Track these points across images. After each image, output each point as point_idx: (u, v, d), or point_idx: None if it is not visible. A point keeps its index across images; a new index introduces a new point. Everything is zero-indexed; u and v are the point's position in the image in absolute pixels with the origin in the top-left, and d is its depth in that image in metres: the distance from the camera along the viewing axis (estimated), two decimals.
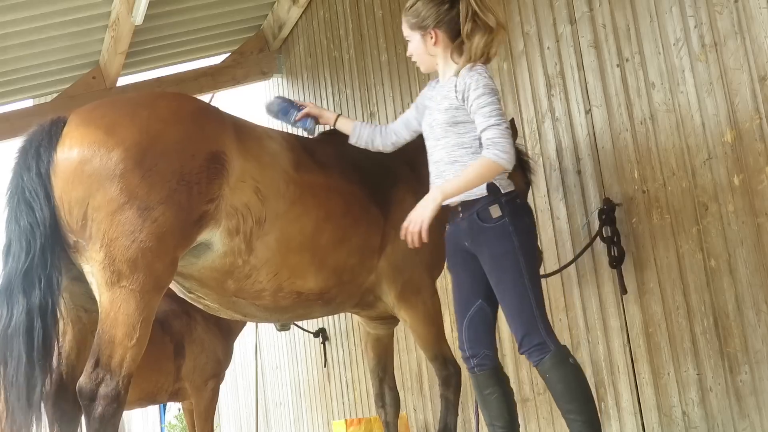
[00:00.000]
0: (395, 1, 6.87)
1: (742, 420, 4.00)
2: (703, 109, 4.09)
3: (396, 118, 6.70)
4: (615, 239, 4.67)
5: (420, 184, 4.36)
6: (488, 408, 3.69)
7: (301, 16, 8.86)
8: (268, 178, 3.66)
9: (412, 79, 6.69)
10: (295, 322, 8.58)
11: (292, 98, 4.12)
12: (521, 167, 4.97)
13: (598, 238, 4.77)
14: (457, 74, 3.50)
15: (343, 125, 4.06)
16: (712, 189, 4.08)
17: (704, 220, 4.14)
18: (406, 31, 3.61)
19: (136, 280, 3.32)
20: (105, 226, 3.31)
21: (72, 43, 8.09)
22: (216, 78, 9.42)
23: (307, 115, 4.09)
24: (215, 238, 3.54)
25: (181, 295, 3.94)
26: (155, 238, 3.33)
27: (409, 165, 4.45)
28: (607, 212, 4.70)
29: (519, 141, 5.49)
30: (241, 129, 3.71)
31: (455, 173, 3.48)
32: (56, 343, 3.43)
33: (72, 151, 3.36)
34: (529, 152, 5.35)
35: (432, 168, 3.61)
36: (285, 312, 4.06)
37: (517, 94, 5.48)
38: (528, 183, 5.04)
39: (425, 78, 6.46)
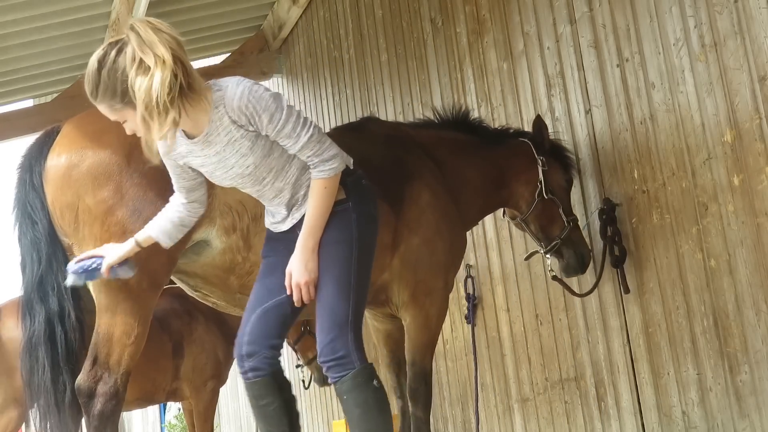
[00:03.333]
0: (395, 1, 6.88)
1: (742, 420, 4.00)
2: (703, 109, 4.09)
3: (396, 118, 6.73)
4: (616, 239, 4.67)
5: (441, 179, 4.31)
6: (265, 421, 3.16)
7: (301, 16, 8.86)
8: None
9: (412, 79, 6.69)
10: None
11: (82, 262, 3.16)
12: (561, 164, 4.83)
13: (599, 237, 4.77)
14: (219, 106, 2.90)
15: (145, 239, 3.21)
16: (712, 189, 4.08)
17: (704, 220, 4.14)
18: (114, 114, 2.84)
19: (132, 279, 3.35)
20: (97, 228, 3.39)
21: (72, 43, 8.09)
22: (216, 78, 9.39)
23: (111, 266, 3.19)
24: (212, 236, 3.57)
25: (189, 293, 3.95)
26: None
27: (434, 158, 4.37)
28: (608, 212, 4.70)
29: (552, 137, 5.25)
30: None
31: (307, 187, 3.03)
32: (80, 345, 3.49)
33: (60, 158, 3.45)
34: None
35: (277, 202, 3.10)
36: None
37: (517, 94, 5.48)
38: (569, 180, 4.86)
39: (425, 78, 6.47)
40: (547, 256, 4.79)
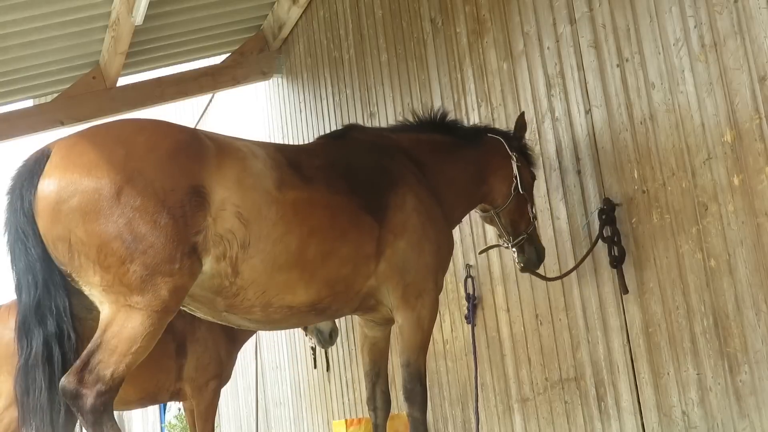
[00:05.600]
0: (395, 1, 6.88)
1: (742, 420, 4.00)
2: (702, 109, 4.09)
3: (396, 118, 6.74)
4: (615, 239, 4.68)
5: (424, 182, 4.39)
6: None
7: (301, 16, 8.86)
8: (250, 201, 3.70)
9: (412, 79, 6.69)
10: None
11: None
12: (527, 161, 5.02)
13: (591, 236, 4.78)
14: None
15: None
16: (712, 189, 4.08)
17: (704, 220, 4.14)
18: None
19: (142, 301, 3.42)
20: (93, 256, 3.41)
21: (72, 43, 8.10)
22: (216, 78, 9.43)
23: None
24: (206, 264, 3.63)
25: None
26: (148, 267, 3.42)
27: (416, 161, 4.46)
28: (607, 212, 4.70)
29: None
30: (223, 153, 3.73)
31: None
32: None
33: (50, 191, 3.46)
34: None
35: None
36: (278, 323, 4.11)
37: (517, 94, 5.49)
38: (534, 177, 5.07)
39: (425, 78, 6.48)
40: (513, 249, 4.94)
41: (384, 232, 4.13)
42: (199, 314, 3.95)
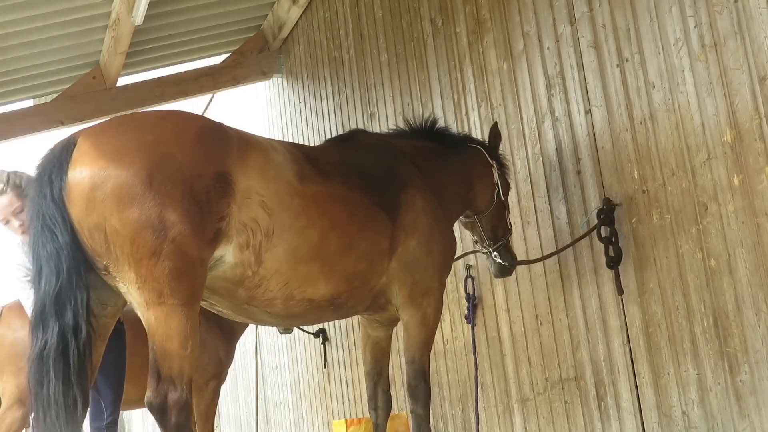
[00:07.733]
0: (395, 1, 6.88)
1: (742, 420, 4.00)
2: (703, 109, 4.10)
3: (396, 119, 6.75)
4: (613, 239, 4.69)
5: (428, 185, 4.48)
6: None
7: (301, 16, 8.86)
8: (273, 191, 3.72)
9: (412, 79, 6.69)
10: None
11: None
12: (502, 170, 5.20)
13: (596, 238, 4.79)
14: None
15: None
16: (712, 189, 4.08)
17: (704, 220, 4.14)
18: None
19: (174, 295, 3.41)
20: (127, 249, 3.40)
21: (72, 43, 8.10)
22: (216, 78, 9.43)
23: None
24: (227, 252, 3.62)
25: None
26: (176, 257, 3.41)
27: (416, 166, 4.56)
28: (606, 212, 4.71)
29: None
30: (245, 144, 3.75)
31: None
32: (91, 361, 3.50)
33: (83, 178, 3.43)
34: (530, 152, 5.39)
35: None
36: (297, 318, 4.13)
37: (517, 94, 5.49)
38: (509, 186, 5.25)
39: (425, 78, 6.48)
40: (495, 254, 5.08)
41: (396, 229, 4.20)
42: (218, 308, 3.94)
